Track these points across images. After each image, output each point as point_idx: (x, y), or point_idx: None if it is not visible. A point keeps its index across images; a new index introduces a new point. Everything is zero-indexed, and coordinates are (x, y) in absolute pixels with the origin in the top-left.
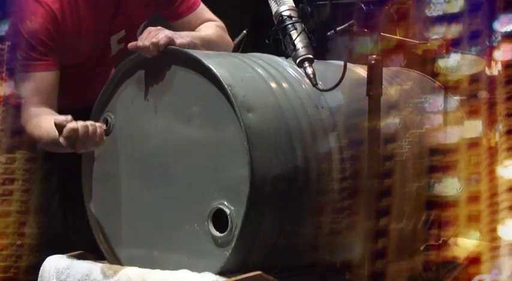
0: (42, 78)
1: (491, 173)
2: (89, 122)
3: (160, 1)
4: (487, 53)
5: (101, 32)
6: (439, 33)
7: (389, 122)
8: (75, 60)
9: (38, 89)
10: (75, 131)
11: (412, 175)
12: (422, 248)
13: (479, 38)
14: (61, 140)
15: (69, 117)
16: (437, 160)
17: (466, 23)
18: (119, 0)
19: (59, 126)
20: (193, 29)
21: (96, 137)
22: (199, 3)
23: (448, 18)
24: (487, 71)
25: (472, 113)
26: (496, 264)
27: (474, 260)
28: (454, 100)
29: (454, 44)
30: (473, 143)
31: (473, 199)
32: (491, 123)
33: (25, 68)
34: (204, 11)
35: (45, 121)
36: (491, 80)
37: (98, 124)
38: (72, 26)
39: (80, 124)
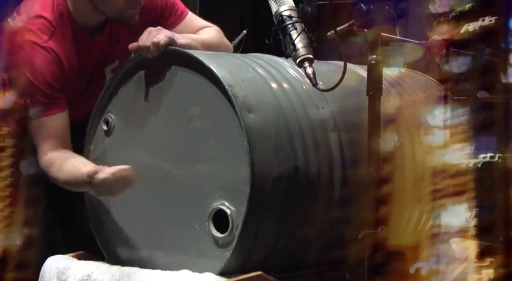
0: (56, 121)
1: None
2: (117, 169)
3: (149, 21)
4: (503, 57)
5: (96, 64)
6: (443, 33)
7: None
8: (73, 94)
9: (52, 132)
10: (105, 181)
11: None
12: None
13: (492, 40)
14: (94, 189)
15: (96, 167)
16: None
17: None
18: (111, 33)
19: (89, 177)
20: None
21: (127, 181)
22: (186, 13)
23: (454, 16)
24: (503, 78)
25: (485, 128)
26: (434, 252)
27: (412, 248)
28: (463, 111)
29: (460, 45)
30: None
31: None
32: (507, 138)
33: (38, 114)
34: (194, 19)
35: (68, 165)
36: (508, 88)
37: (125, 167)
38: (72, 65)
39: (109, 173)
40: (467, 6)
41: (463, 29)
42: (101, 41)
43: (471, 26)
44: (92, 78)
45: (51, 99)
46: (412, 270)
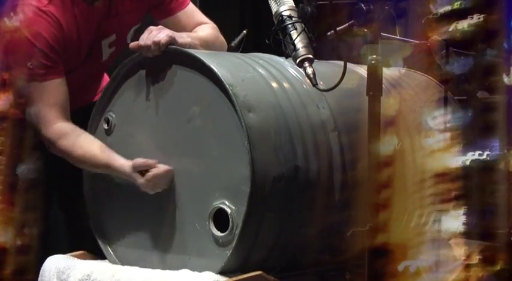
0: (58, 87)
1: None
2: (165, 167)
3: (151, 3)
4: (505, 57)
5: (94, 35)
6: (443, 33)
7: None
8: (71, 65)
9: (56, 99)
10: (158, 178)
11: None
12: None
13: (495, 39)
14: (141, 182)
15: (151, 161)
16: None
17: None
18: (110, 4)
19: (138, 168)
20: (183, 28)
21: (169, 180)
22: (188, 3)
23: (456, 15)
24: (506, 80)
25: (486, 130)
26: (422, 250)
27: (401, 246)
28: (467, 113)
29: (460, 46)
30: (487, 167)
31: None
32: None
33: (40, 77)
34: (194, 11)
35: (90, 144)
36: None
37: (170, 168)
38: (71, 32)
39: (163, 170)
40: (456, 4)
41: (452, 27)
42: (99, 10)
43: (460, 24)
44: (89, 50)
45: (53, 63)
46: (400, 268)
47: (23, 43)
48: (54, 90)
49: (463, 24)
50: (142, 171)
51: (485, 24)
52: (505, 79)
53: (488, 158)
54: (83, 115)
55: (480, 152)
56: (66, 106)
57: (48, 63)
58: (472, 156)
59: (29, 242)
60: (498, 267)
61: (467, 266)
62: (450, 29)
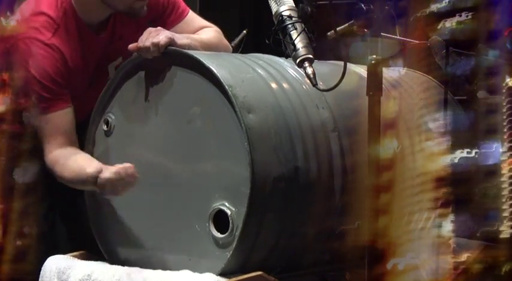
0: (61, 117)
1: None
2: (120, 167)
3: (151, 18)
4: (508, 58)
5: (99, 61)
6: (445, 33)
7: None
8: (77, 91)
9: (57, 129)
10: (108, 181)
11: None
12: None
13: (498, 39)
14: (95, 188)
15: (98, 167)
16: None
17: (482, 20)
18: (114, 30)
19: (92, 178)
20: None
21: (131, 179)
22: (187, 12)
23: (444, 13)
24: (509, 82)
25: (489, 132)
26: (411, 248)
27: (389, 243)
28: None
29: (461, 46)
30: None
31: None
32: None
33: (42, 110)
34: (194, 18)
35: (72, 163)
36: None
37: (127, 165)
38: (75, 62)
39: (112, 172)
40: (445, 2)
41: (440, 25)
42: (103, 38)
43: (448, 22)
44: (96, 75)
45: (56, 95)
46: (389, 266)
47: (26, 77)
48: (57, 121)
49: (452, 22)
50: None
51: (474, 22)
52: (508, 80)
53: (481, 159)
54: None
55: (476, 150)
56: (70, 133)
57: (50, 96)
58: (462, 154)
59: (29, 242)
60: (495, 268)
61: (465, 267)
62: (438, 27)
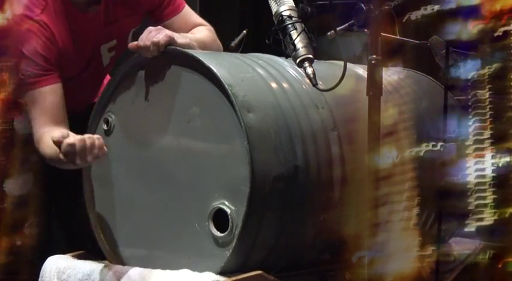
0: (48, 94)
1: None
2: (86, 136)
3: (147, 7)
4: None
5: (92, 42)
6: (450, 33)
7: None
8: (70, 72)
9: (44, 107)
10: (72, 146)
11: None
12: None
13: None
14: (60, 156)
15: (65, 132)
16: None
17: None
18: (107, 10)
19: (57, 143)
20: (179, 31)
21: (95, 149)
22: (183, 6)
23: (464, 13)
24: (474, 75)
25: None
26: (376, 241)
27: (355, 236)
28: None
29: (468, 47)
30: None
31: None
32: None
33: (31, 86)
34: (190, 14)
35: (49, 140)
36: None
37: (96, 136)
38: (66, 41)
39: (76, 138)
40: None
41: (405, 18)
42: (95, 19)
43: (413, 15)
44: (90, 57)
45: (44, 70)
46: (354, 259)
47: (13, 52)
48: (46, 97)
49: (417, 14)
50: None
51: (439, 15)
52: (473, 74)
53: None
54: (84, 117)
55: (442, 144)
56: (59, 112)
57: (38, 71)
58: (427, 147)
59: (29, 242)
60: (452, 257)
61: (421, 257)
62: (404, 20)
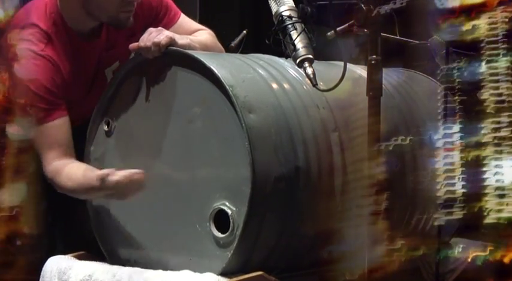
0: (58, 127)
1: None
2: (127, 172)
3: (145, 22)
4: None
5: (94, 67)
6: (453, 33)
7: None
8: (73, 96)
9: (55, 139)
10: (118, 183)
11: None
12: None
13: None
14: (105, 193)
15: (106, 171)
16: None
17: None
18: (108, 37)
19: (101, 180)
20: None
21: (139, 184)
22: (179, 15)
23: (466, 12)
24: (444, 68)
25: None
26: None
27: (325, 230)
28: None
29: (472, 48)
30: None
31: None
32: None
33: (39, 121)
34: (187, 22)
35: (76, 171)
36: None
37: (137, 171)
38: (70, 70)
39: (122, 175)
40: None
41: (374, 12)
42: (97, 45)
43: (382, 9)
44: (93, 80)
45: (52, 105)
46: (324, 254)
47: (21, 88)
48: (54, 131)
49: (385, 8)
50: None
51: (408, 9)
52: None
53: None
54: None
55: (411, 138)
56: (66, 143)
57: (46, 106)
58: (396, 142)
59: (29, 242)
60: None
61: (390, 251)
62: (373, 14)
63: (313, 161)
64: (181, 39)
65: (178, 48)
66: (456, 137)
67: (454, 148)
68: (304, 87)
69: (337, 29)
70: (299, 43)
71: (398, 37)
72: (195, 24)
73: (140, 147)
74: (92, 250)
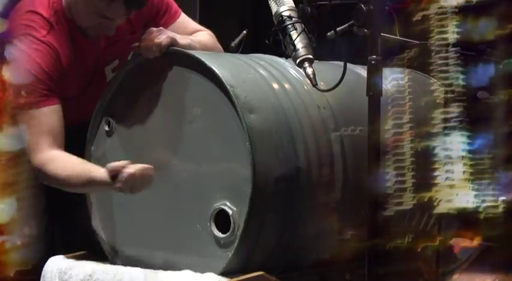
0: (52, 114)
1: None
2: (140, 166)
3: (146, 18)
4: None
5: (93, 63)
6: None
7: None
8: (70, 92)
9: (48, 126)
10: (131, 176)
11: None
12: None
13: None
14: (117, 185)
15: (123, 163)
16: None
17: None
18: (108, 35)
19: (114, 172)
20: None
21: (149, 179)
22: (179, 14)
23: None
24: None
25: None
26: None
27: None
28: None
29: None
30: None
31: None
32: None
33: (32, 105)
34: (187, 21)
35: (73, 164)
36: None
37: (148, 166)
38: (69, 62)
39: (137, 168)
40: None
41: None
42: (97, 42)
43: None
44: (92, 78)
45: (48, 91)
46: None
47: (19, 71)
48: (48, 117)
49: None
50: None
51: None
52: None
53: None
54: (85, 129)
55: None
56: (59, 133)
57: (43, 91)
58: (346, 132)
59: (29, 242)
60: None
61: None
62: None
63: (314, 161)
64: (182, 40)
65: (179, 49)
66: (406, 127)
67: (403, 138)
68: (305, 87)
69: (337, 29)
70: (299, 43)
71: (398, 37)
72: (194, 24)
73: (141, 147)
74: (93, 250)
